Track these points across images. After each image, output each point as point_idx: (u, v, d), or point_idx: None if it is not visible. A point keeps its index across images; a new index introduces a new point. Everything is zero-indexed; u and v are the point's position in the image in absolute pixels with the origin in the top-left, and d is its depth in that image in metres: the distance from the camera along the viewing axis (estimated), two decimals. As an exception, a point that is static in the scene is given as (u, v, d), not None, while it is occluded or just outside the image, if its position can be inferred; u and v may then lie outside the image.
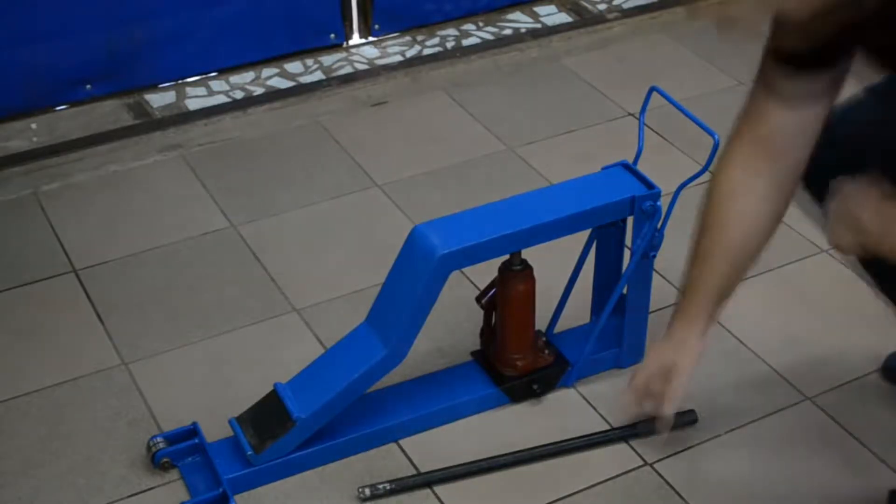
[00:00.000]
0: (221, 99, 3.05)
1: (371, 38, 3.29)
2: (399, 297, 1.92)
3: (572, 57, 3.25)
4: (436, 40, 3.30)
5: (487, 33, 3.34)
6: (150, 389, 2.17)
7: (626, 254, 2.09)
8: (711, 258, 1.83)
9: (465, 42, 3.30)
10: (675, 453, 2.03)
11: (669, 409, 1.89)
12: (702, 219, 1.84)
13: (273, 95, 3.06)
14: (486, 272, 2.13)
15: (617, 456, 2.03)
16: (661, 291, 2.35)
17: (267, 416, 1.96)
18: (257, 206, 2.67)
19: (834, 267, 2.44)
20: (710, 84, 3.10)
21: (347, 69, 3.18)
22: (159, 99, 3.03)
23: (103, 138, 2.88)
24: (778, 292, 2.39)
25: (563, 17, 3.42)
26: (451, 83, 3.13)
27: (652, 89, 2.02)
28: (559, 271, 2.19)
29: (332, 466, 2.01)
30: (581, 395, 2.15)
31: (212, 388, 2.17)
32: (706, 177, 1.92)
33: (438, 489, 1.97)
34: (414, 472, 2.00)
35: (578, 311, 2.23)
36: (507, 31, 3.35)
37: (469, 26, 3.37)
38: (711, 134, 1.98)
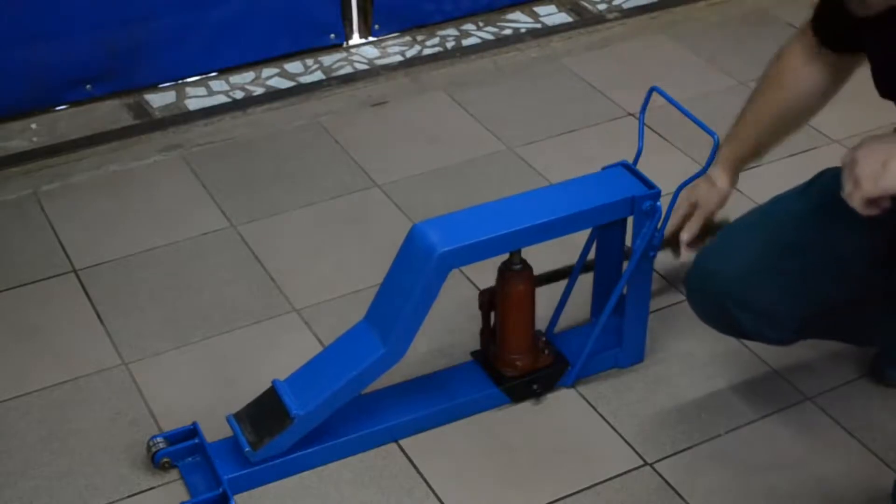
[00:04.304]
0: (221, 99, 3.05)
1: (371, 38, 3.29)
2: (398, 295, 1.92)
3: (572, 57, 3.25)
4: (436, 40, 3.30)
5: (487, 33, 3.34)
6: (150, 389, 2.17)
7: (626, 254, 2.09)
8: (759, 111, 2.03)
9: (465, 42, 3.30)
10: (675, 453, 2.03)
11: (685, 236, 2.09)
12: (759, 81, 2.05)
13: (273, 95, 3.06)
14: (486, 272, 2.13)
15: (617, 456, 2.03)
16: (661, 291, 2.35)
17: (265, 413, 1.95)
18: (257, 206, 2.67)
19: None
20: (710, 84, 3.10)
21: (347, 69, 3.18)
22: (159, 99, 3.03)
23: (103, 138, 2.88)
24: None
25: (563, 17, 3.42)
26: (451, 83, 3.13)
27: (652, 89, 2.02)
28: (559, 271, 2.19)
29: (332, 466, 2.01)
30: (581, 395, 2.15)
31: (212, 388, 2.17)
32: (706, 177, 1.92)
33: (439, 489, 1.97)
34: (414, 471, 2.00)
35: (578, 311, 2.23)
36: (507, 31, 3.35)
37: (469, 26, 3.37)
38: (711, 134, 1.98)
